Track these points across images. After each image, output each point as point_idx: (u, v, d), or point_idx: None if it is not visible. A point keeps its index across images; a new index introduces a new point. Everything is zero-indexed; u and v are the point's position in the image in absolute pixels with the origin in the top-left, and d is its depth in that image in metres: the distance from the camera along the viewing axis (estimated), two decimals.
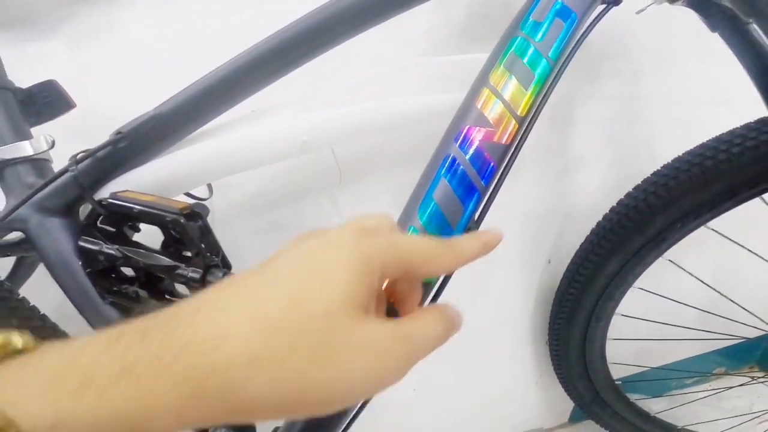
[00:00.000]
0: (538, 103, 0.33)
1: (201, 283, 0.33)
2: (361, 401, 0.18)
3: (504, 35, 0.35)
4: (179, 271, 0.33)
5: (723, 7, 0.39)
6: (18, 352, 0.15)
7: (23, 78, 0.41)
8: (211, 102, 0.37)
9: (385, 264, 0.18)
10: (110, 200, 0.34)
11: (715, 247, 0.50)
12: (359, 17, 0.37)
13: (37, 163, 0.40)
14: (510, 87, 0.32)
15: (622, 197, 0.47)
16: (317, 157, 0.48)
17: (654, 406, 0.65)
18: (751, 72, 0.42)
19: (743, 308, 0.51)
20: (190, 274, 0.32)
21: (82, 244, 0.35)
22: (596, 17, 0.37)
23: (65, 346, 0.15)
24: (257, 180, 0.49)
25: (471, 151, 0.32)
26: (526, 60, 0.33)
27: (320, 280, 0.16)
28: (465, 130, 0.32)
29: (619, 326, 0.55)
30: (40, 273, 0.41)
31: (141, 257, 0.34)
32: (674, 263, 0.51)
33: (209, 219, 0.35)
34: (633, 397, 0.61)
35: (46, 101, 0.41)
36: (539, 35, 0.33)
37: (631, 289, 0.50)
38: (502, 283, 0.61)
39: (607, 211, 0.48)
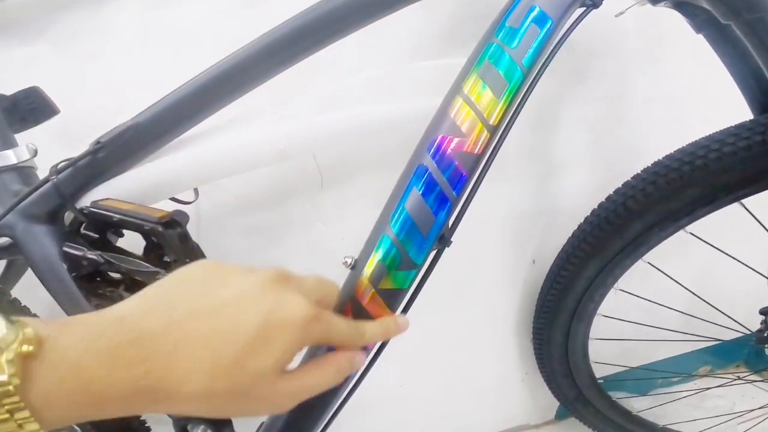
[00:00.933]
0: (511, 112, 0.33)
1: None
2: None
3: (480, 42, 0.35)
4: (160, 277, 0.34)
5: (705, 9, 0.39)
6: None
7: (9, 83, 0.42)
8: (188, 111, 0.37)
9: (314, 341, 0.25)
10: (91, 209, 0.35)
11: (696, 250, 0.51)
12: (341, 22, 0.37)
13: (22, 171, 0.41)
14: (483, 96, 0.32)
15: (603, 200, 0.47)
16: (299, 162, 0.48)
17: (637, 404, 0.65)
18: (734, 74, 0.42)
19: (722, 312, 0.52)
20: None
21: (66, 249, 0.36)
22: (574, 21, 0.37)
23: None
24: (243, 183, 0.50)
25: (443, 161, 0.32)
26: (500, 68, 0.33)
27: (268, 347, 0.22)
28: (438, 140, 0.32)
29: (603, 326, 0.56)
30: (32, 275, 0.42)
31: (123, 263, 0.35)
32: (653, 266, 0.51)
33: (195, 221, 0.36)
34: (617, 395, 0.62)
35: (30, 107, 0.42)
36: (515, 42, 0.33)
37: (612, 290, 0.50)
38: (488, 282, 0.62)
39: (588, 214, 0.48)
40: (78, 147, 0.37)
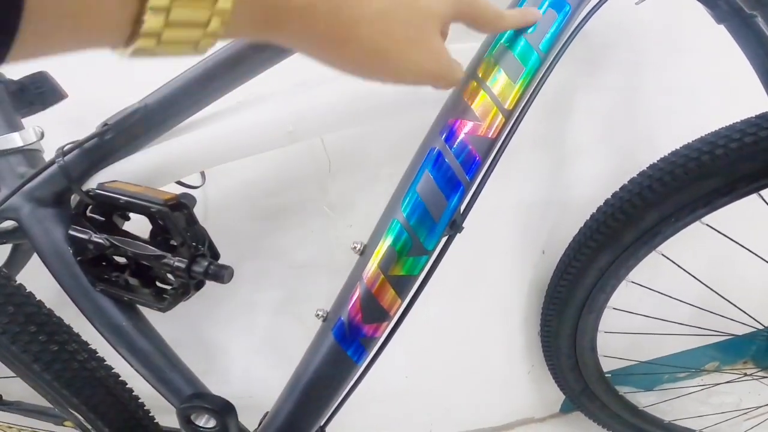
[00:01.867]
0: (527, 97, 0.32)
1: (186, 273, 0.33)
2: (410, 84, 0.26)
3: None
4: (165, 261, 0.33)
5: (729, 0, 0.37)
6: None
7: (16, 70, 0.41)
8: (197, 94, 0.37)
9: (465, 12, 0.25)
10: (97, 191, 0.34)
11: (710, 242, 0.50)
12: None
13: (29, 154, 0.40)
14: (498, 80, 0.31)
15: (617, 190, 0.46)
16: (308, 147, 0.48)
17: (643, 399, 0.65)
18: (756, 65, 0.41)
19: (735, 305, 0.51)
20: (176, 264, 0.33)
21: (72, 233, 0.36)
22: (593, 7, 0.36)
23: None
24: (250, 168, 0.49)
25: (456, 145, 0.31)
26: (516, 52, 0.32)
27: None
28: (451, 124, 0.32)
29: (611, 319, 0.55)
30: (38, 261, 0.42)
31: (128, 246, 0.34)
32: (667, 257, 0.50)
33: (202, 206, 0.35)
34: (623, 390, 0.62)
35: (37, 92, 0.41)
36: (531, 27, 0.32)
37: (623, 282, 0.49)
38: (496, 272, 0.61)
39: (602, 204, 0.47)
40: (85, 131, 0.37)
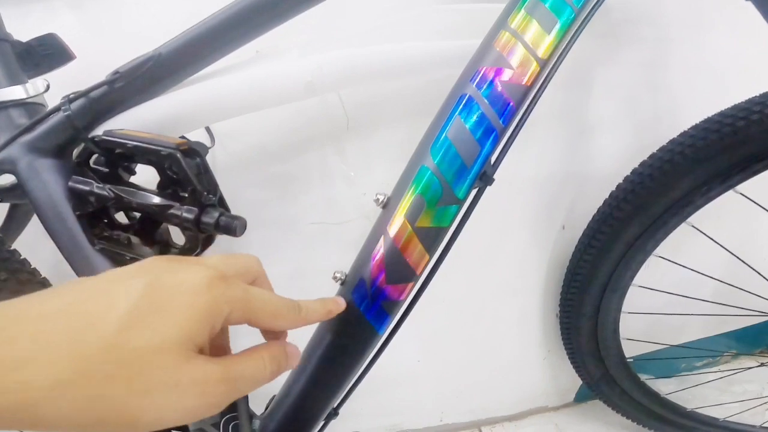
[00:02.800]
0: (561, 48, 0.30)
1: (195, 225, 0.31)
2: (172, 427, 0.19)
3: None
4: (173, 211, 0.31)
5: None
6: None
7: (29, 33, 0.39)
8: (213, 44, 0.34)
9: (232, 313, 0.20)
10: (104, 137, 0.32)
11: (738, 215, 0.48)
12: None
13: (31, 107, 0.39)
14: (531, 30, 0.30)
15: (646, 158, 0.44)
16: (323, 106, 0.45)
17: (663, 387, 0.63)
18: None
19: (765, 278, 0.48)
20: (184, 214, 0.30)
21: (72, 184, 0.34)
22: None
23: None
24: (260, 130, 0.47)
25: (489, 91, 0.29)
26: (548, 5, 0.30)
27: (162, 316, 0.18)
28: (482, 71, 0.30)
29: (633, 299, 0.53)
30: (37, 228, 0.40)
31: (133, 197, 0.32)
32: (698, 229, 0.48)
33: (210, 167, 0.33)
34: (644, 376, 0.59)
35: (45, 54, 0.40)
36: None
37: (650, 258, 0.47)
38: (513, 249, 0.58)
39: (629, 173, 0.45)
40: None
